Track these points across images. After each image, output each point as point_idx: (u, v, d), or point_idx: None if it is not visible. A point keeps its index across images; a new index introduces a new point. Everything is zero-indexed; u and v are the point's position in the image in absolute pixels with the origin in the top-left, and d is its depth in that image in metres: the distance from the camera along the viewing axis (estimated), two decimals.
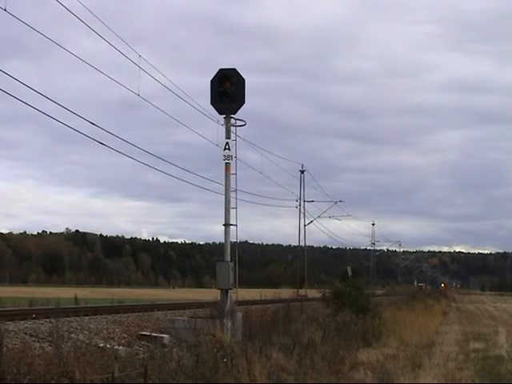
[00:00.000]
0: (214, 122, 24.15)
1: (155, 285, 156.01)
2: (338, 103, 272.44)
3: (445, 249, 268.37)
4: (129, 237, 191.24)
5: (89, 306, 29.38)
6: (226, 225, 22.69)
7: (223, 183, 22.92)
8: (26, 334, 16.39)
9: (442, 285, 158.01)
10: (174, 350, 16.23)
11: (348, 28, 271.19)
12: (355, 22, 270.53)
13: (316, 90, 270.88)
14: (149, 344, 17.97)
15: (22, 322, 18.53)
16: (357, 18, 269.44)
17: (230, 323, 20.12)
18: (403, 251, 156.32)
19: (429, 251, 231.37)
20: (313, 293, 51.88)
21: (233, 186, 22.95)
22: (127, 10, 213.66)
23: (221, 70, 22.80)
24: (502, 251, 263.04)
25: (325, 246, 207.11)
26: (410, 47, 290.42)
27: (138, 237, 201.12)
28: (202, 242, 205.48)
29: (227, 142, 22.58)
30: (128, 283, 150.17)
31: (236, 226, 23.03)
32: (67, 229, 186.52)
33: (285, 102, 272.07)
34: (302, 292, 65.49)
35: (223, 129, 23.02)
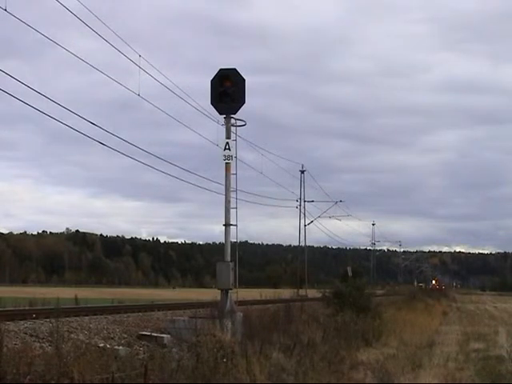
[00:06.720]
0: (213, 122, 24.18)
1: (155, 285, 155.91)
2: (335, 103, 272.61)
3: (445, 249, 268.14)
4: (129, 237, 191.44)
5: (89, 306, 29.38)
6: (226, 225, 22.70)
7: (223, 183, 22.94)
8: (26, 333, 16.37)
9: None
10: (174, 350, 16.24)
11: (343, 28, 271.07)
12: (350, 22, 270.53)
13: (312, 90, 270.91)
14: (149, 344, 17.97)
15: (22, 322, 18.51)
16: (351, 17, 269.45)
17: (230, 323, 20.11)
18: (403, 251, 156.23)
19: (429, 251, 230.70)
20: (313, 293, 51.87)
21: (233, 185, 22.98)
22: (120, 10, 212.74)
23: (221, 69, 22.82)
24: (502, 251, 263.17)
25: (325, 246, 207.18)
26: (406, 47, 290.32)
27: (138, 237, 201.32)
28: (201, 242, 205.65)
29: (227, 142, 22.58)
30: (128, 283, 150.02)
31: (236, 226, 23.07)
32: (67, 229, 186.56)
33: (281, 102, 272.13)
34: (302, 292, 65.48)
35: (223, 129, 23.04)
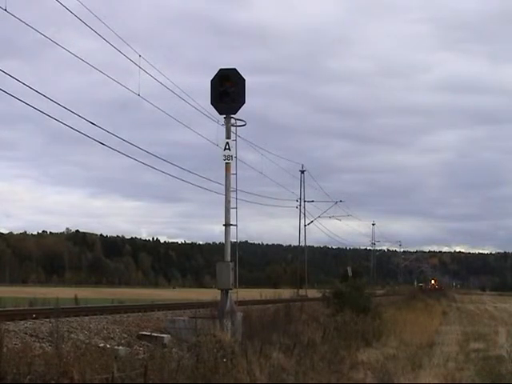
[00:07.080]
0: (213, 122, 24.18)
1: (155, 285, 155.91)
2: (335, 103, 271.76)
3: (445, 249, 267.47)
4: (129, 237, 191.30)
5: (89, 306, 29.38)
6: (226, 225, 22.70)
7: (223, 183, 22.94)
8: (26, 333, 16.37)
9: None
10: (174, 350, 16.24)
11: (343, 28, 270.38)
12: (350, 22, 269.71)
13: (312, 90, 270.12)
14: (149, 344, 17.97)
15: (22, 322, 18.51)
16: (351, 17, 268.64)
17: (230, 323, 20.12)
18: (403, 251, 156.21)
19: (429, 251, 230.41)
20: (313, 293, 51.88)
21: (233, 185, 22.99)
22: (120, 10, 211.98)
23: (221, 69, 22.82)
24: (502, 251, 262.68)
25: (325, 246, 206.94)
26: (406, 47, 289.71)
27: (138, 237, 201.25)
28: (201, 242, 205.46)
29: (227, 142, 22.59)
30: (128, 283, 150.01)
31: (236, 226, 23.07)
32: (67, 229, 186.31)
33: (281, 102, 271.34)
34: (302, 292, 65.47)
35: (223, 129, 23.05)
